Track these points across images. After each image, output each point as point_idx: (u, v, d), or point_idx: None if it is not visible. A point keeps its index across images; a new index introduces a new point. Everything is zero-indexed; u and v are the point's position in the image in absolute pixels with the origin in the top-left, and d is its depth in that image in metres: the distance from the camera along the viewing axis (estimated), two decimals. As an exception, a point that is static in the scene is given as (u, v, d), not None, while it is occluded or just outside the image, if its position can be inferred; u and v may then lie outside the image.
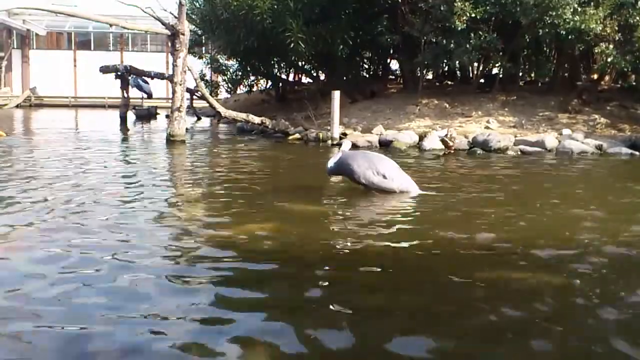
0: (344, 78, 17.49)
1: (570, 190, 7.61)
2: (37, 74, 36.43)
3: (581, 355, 2.79)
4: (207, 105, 16.22)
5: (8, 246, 4.21)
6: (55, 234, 4.54)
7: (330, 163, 6.64)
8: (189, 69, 13.41)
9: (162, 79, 19.60)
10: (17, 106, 32.50)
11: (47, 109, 31.35)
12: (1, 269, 3.75)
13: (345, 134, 13.25)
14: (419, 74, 16.55)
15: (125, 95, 20.94)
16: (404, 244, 4.48)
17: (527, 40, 14.52)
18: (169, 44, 13.53)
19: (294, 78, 21.53)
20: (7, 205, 5.56)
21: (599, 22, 12.53)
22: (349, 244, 4.50)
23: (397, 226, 5.07)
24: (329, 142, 12.92)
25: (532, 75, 18.15)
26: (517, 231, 5.01)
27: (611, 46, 12.87)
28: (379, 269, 3.93)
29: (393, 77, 20.26)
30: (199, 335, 2.84)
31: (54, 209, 5.41)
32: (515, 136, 12.38)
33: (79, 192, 6.35)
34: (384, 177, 6.35)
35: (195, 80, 16.37)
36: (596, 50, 13.58)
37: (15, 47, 37.13)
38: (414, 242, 4.54)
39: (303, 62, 18.28)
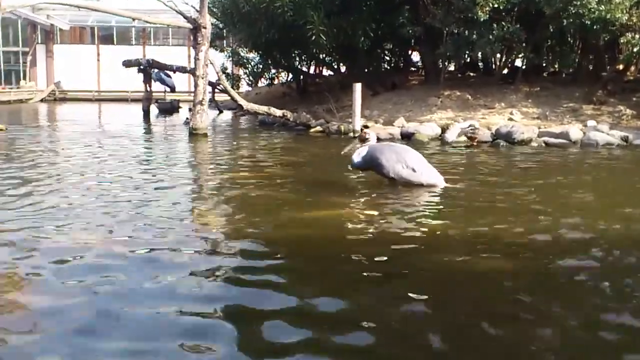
0: (365, 70, 17.44)
1: (597, 183, 7.53)
2: (61, 69, 36.89)
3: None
4: (229, 98, 16.29)
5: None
6: (87, 227, 4.61)
7: (357, 158, 6.48)
8: (210, 63, 13.48)
9: (184, 72, 19.73)
10: (41, 100, 32.96)
11: (71, 103, 31.75)
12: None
13: (366, 126, 13.21)
14: (440, 66, 16.43)
15: (148, 89, 21.11)
16: (435, 241, 4.47)
17: (551, 30, 14.33)
18: (191, 38, 13.56)
19: (314, 71, 21.50)
20: (29, 196, 5.65)
21: (624, 11, 12.33)
22: (376, 239, 4.49)
23: (426, 220, 5.04)
24: (351, 134, 12.91)
25: (556, 66, 17.90)
26: (541, 225, 4.96)
27: (637, 36, 12.66)
28: (405, 266, 3.94)
29: (414, 68, 20.14)
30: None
31: (83, 203, 5.49)
32: (539, 128, 12.25)
33: (100, 186, 6.43)
34: (413, 170, 6.26)
35: (217, 73, 16.44)
36: (622, 40, 13.37)
37: (39, 42, 37.60)
38: (445, 238, 4.53)
39: (324, 55, 18.25)
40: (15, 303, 3.11)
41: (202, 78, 12.52)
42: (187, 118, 16.88)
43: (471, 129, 11.91)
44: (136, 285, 3.39)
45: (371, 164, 6.39)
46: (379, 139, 10.89)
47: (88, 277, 3.45)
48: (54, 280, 3.43)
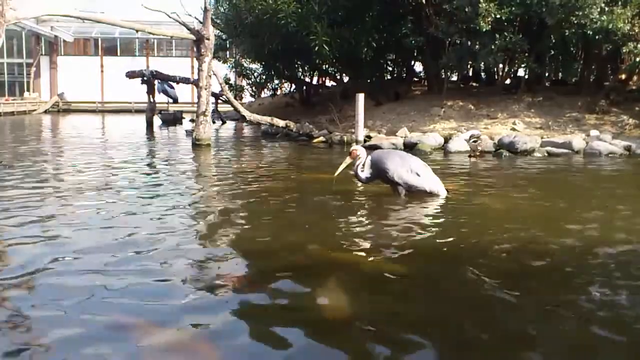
0: (368, 80, 17.50)
1: (605, 193, 7.52)
2: (64, 80, 37.11)
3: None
4: (232, 109, 16.34)
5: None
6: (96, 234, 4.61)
7: (363, 173, 6.31)
8: (213, 74, 13.54)
9: (187, 83, 19.83)
10: (45, 112, 33.12)
11: (74, 114, 31.87)
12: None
13: (369, 137, 13.24)
14: (443, 76, 16.48)
15: (151, 100, 21.20)
16: (437, 251, 4.46)
17: (553, 40, 14.36)
18: (194, 49, 13.65)
19: (317, 81, 21.60)
20: (39, 215, 5.66)
21: (626, 21, 12.36)
22: (377, 253, 4.48)
23: (427, 230, 5.05)
24: (354, 144, 12.93)
25: (559, 75, 17.95)
26: (536, 235, 4.95)
27: (639, 46, 12.68)
28: (402, 275, 3.93)
29: (417, 79, 20.20)
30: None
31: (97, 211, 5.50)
32: (542, 138, 12.26)
33: (104, 203, 6.44)
34: (417, 175, 6.25)
35: (220, 84, 16.51)
36: (624, 50, 13.39)
37: (43, 53, 37.85)
38: (452, 248, 4.52)
39: (327, 65, 18.33)
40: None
41: (205, 89, 12.56)
42: (186, 131, 17.04)
43: (474, 140, 11.92)
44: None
45: (377, 170, 6.29)
46: (379, 149, 10.86)
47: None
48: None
